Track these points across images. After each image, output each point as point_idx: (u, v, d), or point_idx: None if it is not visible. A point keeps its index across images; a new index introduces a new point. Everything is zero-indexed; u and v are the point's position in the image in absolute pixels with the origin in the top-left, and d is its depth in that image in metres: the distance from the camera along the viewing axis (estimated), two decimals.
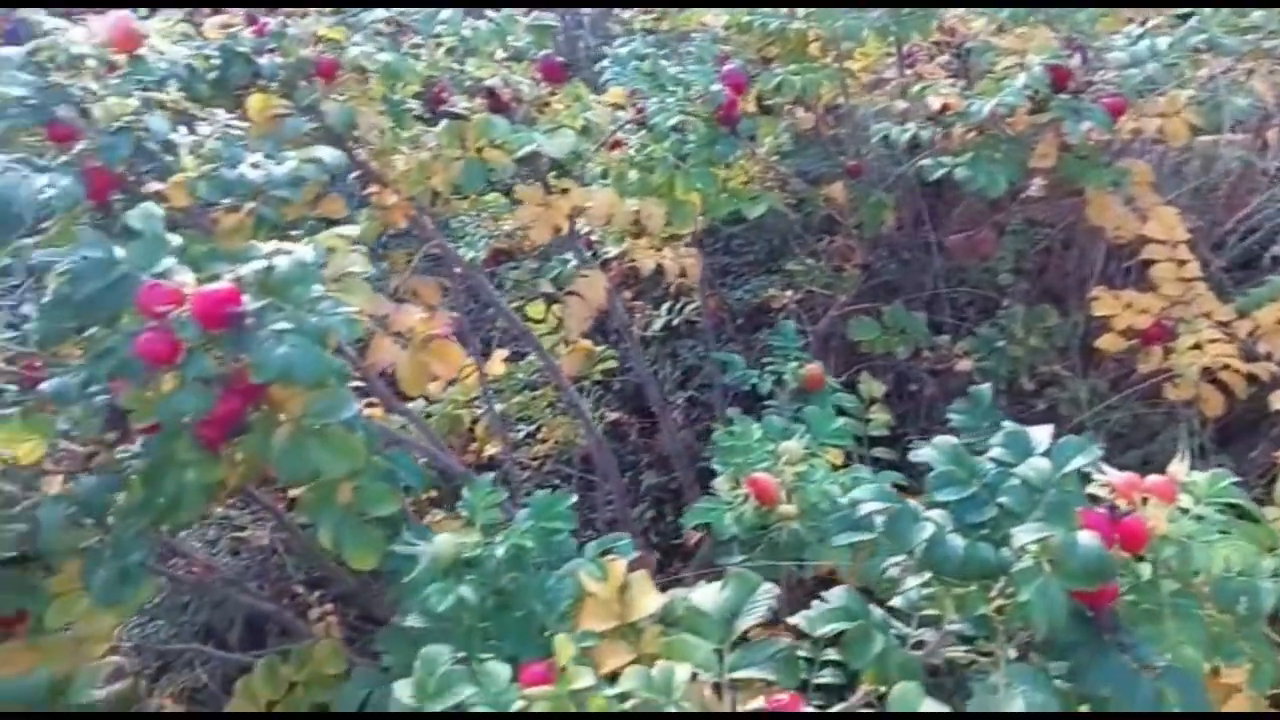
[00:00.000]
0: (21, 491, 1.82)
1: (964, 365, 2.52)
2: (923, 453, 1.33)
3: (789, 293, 3.18)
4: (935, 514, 1.22)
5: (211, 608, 3.18)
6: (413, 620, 1.67)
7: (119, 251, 1.49)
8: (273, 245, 1.58)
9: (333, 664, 1.99)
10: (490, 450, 3.02)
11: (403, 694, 1.19)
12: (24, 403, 1.83)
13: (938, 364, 2.62)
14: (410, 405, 2.50)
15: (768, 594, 1.29)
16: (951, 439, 1.27)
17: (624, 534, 1.63)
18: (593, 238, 2.91)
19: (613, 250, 2.83)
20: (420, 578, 1.59)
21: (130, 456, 1.76)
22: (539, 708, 1.22)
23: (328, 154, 1.82)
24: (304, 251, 1.53)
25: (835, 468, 1.94)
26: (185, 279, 1.47)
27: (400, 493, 1.78)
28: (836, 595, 1.24)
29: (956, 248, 2.74)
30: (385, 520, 1.75)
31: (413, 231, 2.48)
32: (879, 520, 1.30)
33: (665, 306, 3.21)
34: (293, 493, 2.44)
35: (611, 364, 2.95)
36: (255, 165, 1.75)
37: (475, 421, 3.02)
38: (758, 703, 1.15)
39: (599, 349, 2.86)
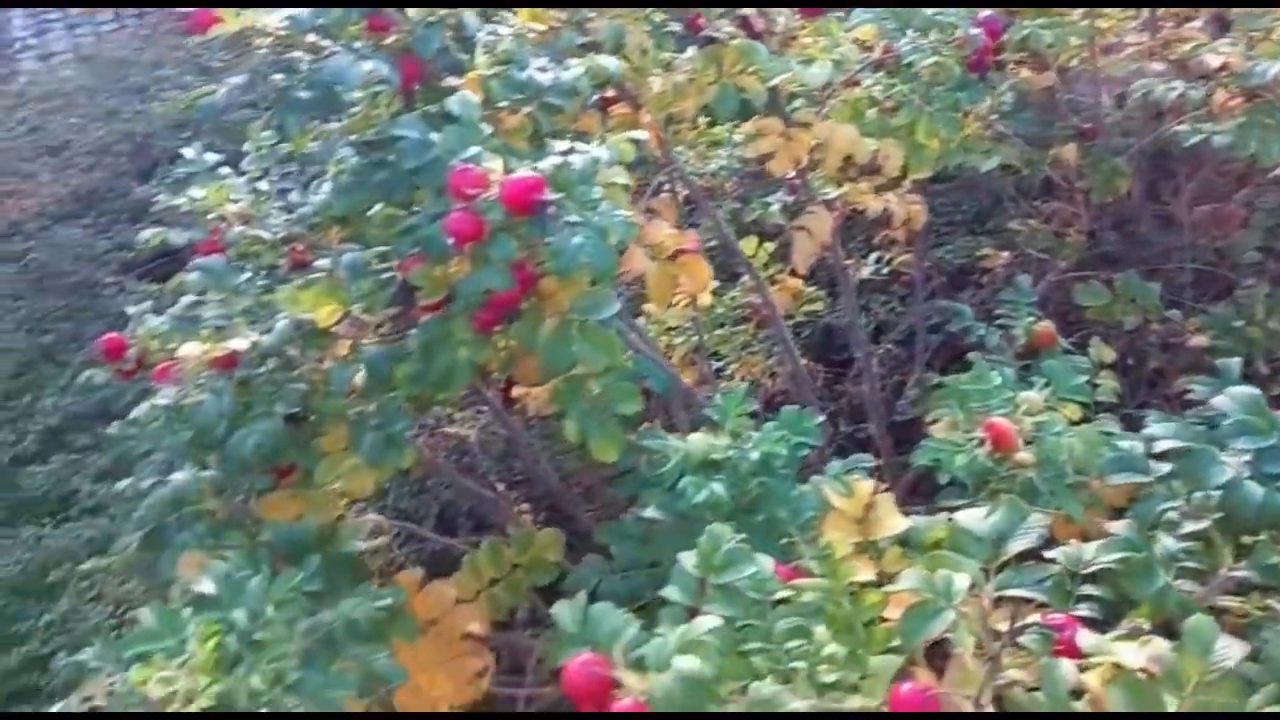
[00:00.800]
0: (302, 355, 1.99)
1: (1198, 341, 2.44)
2: (1156, 428, 1.32)
3: (1004, 254, 3.11)
4: (1232, 460, 1.21)
5: (411, 495, 3.40)
6: (651, 513, 1.76)
7: (434, 136, 1.60)
8: (566, 144, 1.67)
9: (553, 551, 2.10)
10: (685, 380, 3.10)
11: (687, 564, 1.26)
12: (309, 278, 2.00)
13: (1167, 337, 2.54)
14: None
15: (1039, 522, 1.31)
16: (1250, 389, 1.26)
17: (866, 455, 1.67)
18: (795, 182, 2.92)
19: (831, 192, 2.83)
20: (671, 472, 1.67)
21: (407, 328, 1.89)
22: (808, 598, 1.28)
23: (611, 63, 1.89)
24: (599, 151, 1.61)
25: (1072, 424, 1.92)
26: (493, 165, 1.57)
27: (641, 394, 1.86)
28: (1119, 527, 1.24)
29: (1201, 221, 2.63)
30: (626, 419, 1.84)
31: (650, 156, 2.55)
32: (1156, 464, 1.30)
33: (874, 256, 3.19)
34: (515, 391, 2.59)
35: (816, 306, 2.97)
36: (542, 69, 1.84)
37: (669, 349, 3.10)
38: (1034, 618, 1.18)
39: (807, 289, 2.89)
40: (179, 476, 1.86)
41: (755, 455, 1.61)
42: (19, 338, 4.72)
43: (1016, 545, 1.28)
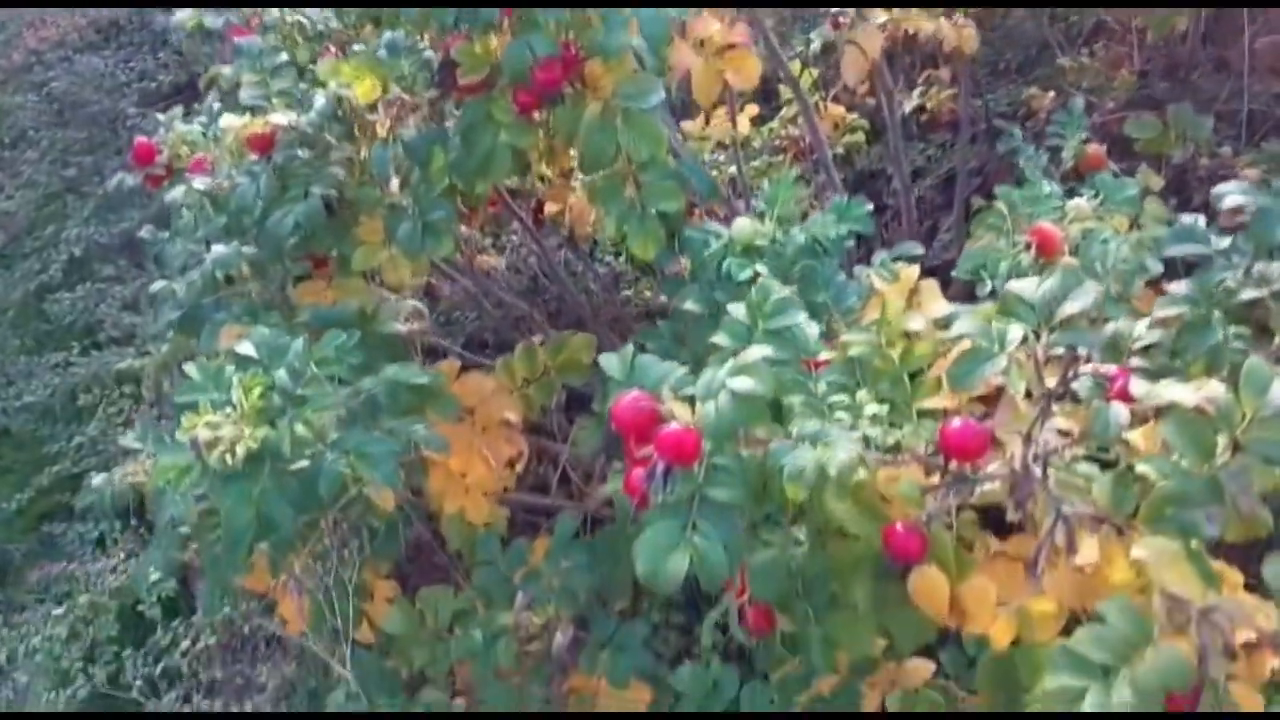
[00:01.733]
0: (339, 142, 1.95)
1: (1250, 174, 2.38)
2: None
3: (1051, 94, 3.03)
4: None
5: (439, 325, 3.41)
6: (690, 305, 1.75)
7: None
8: None
9: (586, 353, 2.11)
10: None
11: (737, 312, 1.26)
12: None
13: (1217, 171, 2.48)
14: None
15: (1094, 288, 1.29)
16: None
17: (914, 244, 1.65)
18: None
19: (881, 15, 2.73)
20: (714, 256, 1.66)
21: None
22: (855, 351, 1.27)
23: None
24: None
25: None
26: None
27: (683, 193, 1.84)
28: (1180, 286, 1.23)
29: (1265, 52, 2.54)
30: (665, 218, 1.82)
31: None
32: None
33: (917, 91, 3.11)
34: (549, 208, 2.56)
35: (858, 137, 2.91)
36: None
37: None
38: (1086, 368, 1.17)
39: (850, 116, 2.83)
40: (218, 248, 1.85)
41: (802, 238, 1.58)
42: (42, 169, 4.68)
43: (1070, 308, 1.27)
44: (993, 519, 1.39)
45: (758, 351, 1.09)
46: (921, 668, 1.81)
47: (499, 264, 3.17)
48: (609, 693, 1.79)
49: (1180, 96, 2.92)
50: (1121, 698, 0.99)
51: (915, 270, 1.52)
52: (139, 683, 2.94)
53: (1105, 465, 1.23)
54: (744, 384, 1.06)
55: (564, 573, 1.77)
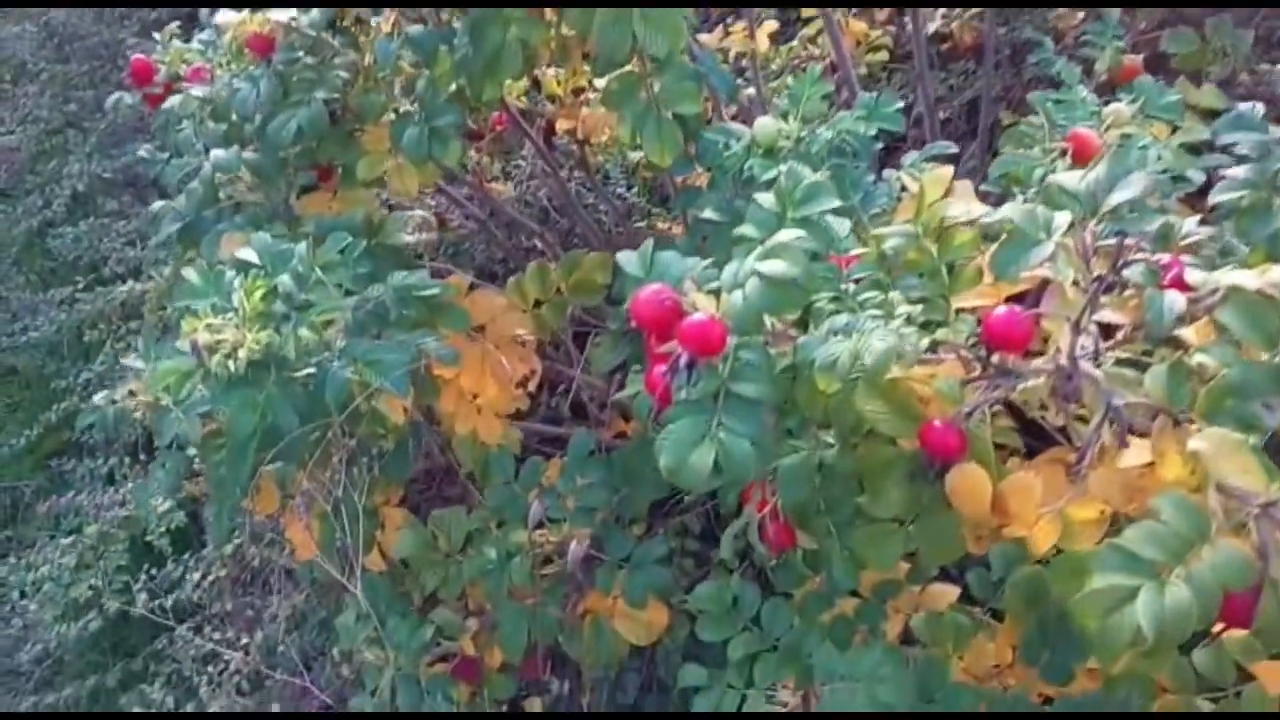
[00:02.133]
0: (340, 47, 1.87)
1: None
2: None
3: (1080, 15, 2.91)
4: None
5: (447, 258, 3.34)
6: (709, 214, 1.67)
7: None
8: None
9: (602, 272, 2.04)
10: None
11: (765, 200, 1.18)
12: None
13: (1256, 88, 2.38)
14: None
15: (1143, 177, 1.21)
16: None
17: (948, 142, 1.56)
18: None
19: None
20: (734, 159, 1.58)
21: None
22: (890, 244, 1.20)
23: None
24: None
25: None
26: None
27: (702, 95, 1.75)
28: (1238, 171, 1.15)
29: None
30: (684, 123, 1.74)
31: None
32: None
33: (940, 12, 3.00)
34: (560, 126, 2.48)
35: (880, 55, 2.80)
36: None
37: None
38: (1137, 256, 1.09)
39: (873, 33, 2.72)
40: (218, 153, 1.78)
41: (829, 135, 1.50)
42: (43, 103, 4.60)
43: (1117, 198, 1.19)
44: (1026, 434, 1.33)
45: (789, 234, 1.02)
46: (946, 591, 1.76)
47: (508, 192, 3.09)
48: (625, 613, 1.74)
49: (1218, 11, 2.80)
50: (1177, 597, 0.93)
51: (950, 170, 1.44)
52: (149, 614, 2.93)
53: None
54: (775, 267, 0.99)
55: (580, 490, 1.72)
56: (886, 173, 1.59)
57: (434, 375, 1.83)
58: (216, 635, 3.05)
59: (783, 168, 1.51)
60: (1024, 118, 1.90)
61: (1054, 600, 1.58)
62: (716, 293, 1.10)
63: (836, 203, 1.14)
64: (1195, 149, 1.78)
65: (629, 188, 3.27)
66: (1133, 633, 0.93)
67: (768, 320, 1.06)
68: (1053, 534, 1.09)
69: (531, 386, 1.86)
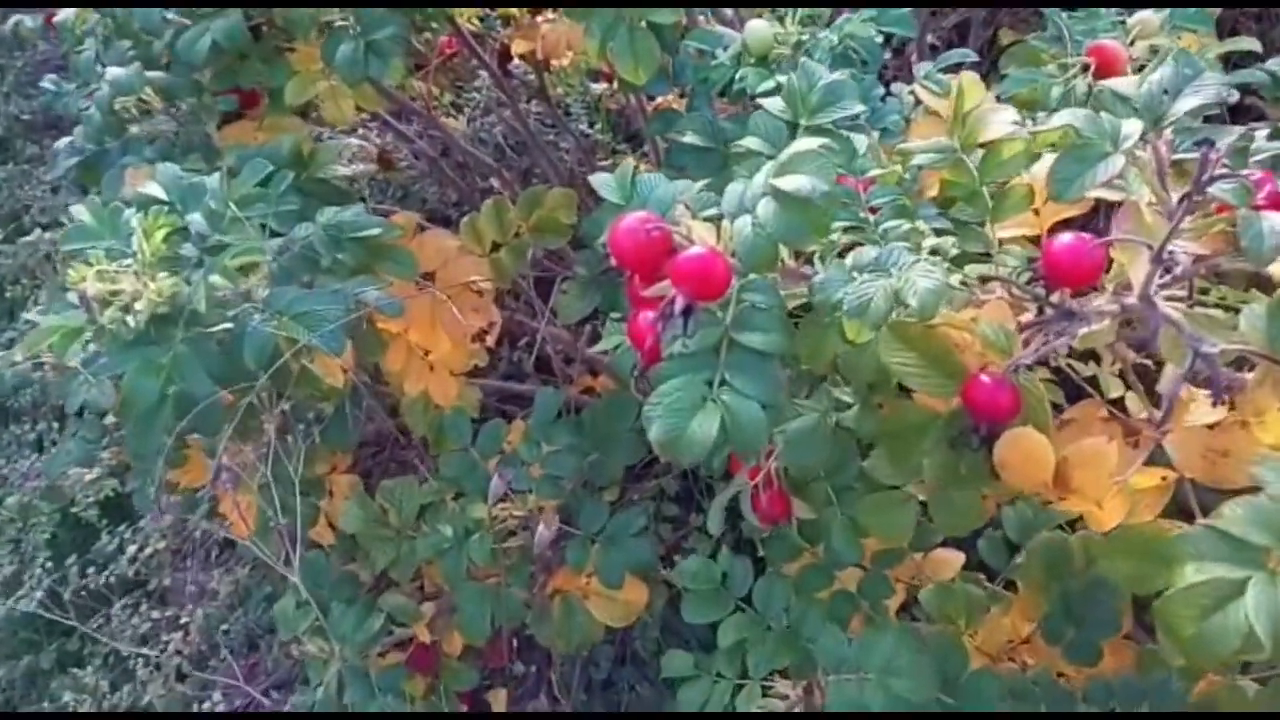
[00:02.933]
0: None
1: None
2: None
3: None
4: None
5: (394, 200, 3.09)
6: (691, 138, 1.46)
7: None
8: None
9: (565, 211, 1.81)
10: None
11: (773, 106, 0.97)
12: None
13: None
14: None
15: (1216, 78, 1.02)
16: None
17: (966, 49, 1.36)
18: None
19: None
20: (723, 69, 1.36)
21: None
22: (923, 159, 1.00)
23: None
24: None
25: None
26: None
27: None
28: None
29: None
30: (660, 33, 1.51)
31: None
32: None
33: None
34: (516, 49, 2.23)
35: None
36: None
37: None
38: (1224, 174, 0.90)
39: None
40: (115, 71, 1.52)
41: (833, 39, 1.29)
42: None
43: (1186, 104, 1.00)
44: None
45: (810, 141, 0.81)
46: (952, 558, 1.60)
47: (460, 127, 2.84)
48: (599, 592, 1.55)
49: None
50: None
51: (972, 79, 1.23)
52: (78, 594, 2.71)
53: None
54: (796, 182, 0.78)
55: (546, 457, 1.51)
56: (896, 86, 1.38)
57: (378, 329, 1.61)
58: (155, 614, 2.84)
59: (783, 80, 1.31)
60: (1026, 38, 1.70)
61: (1079, 570, 1.42)
62: (715, 220, 0.89)
63: (861, 107, 0.94)
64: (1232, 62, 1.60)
65: (592, 124, 3.04)
66: (1241, 637, 0.75)
67: (782, 252, 0.85)
68: (1122, 510, 0.90)
69: (490, 340, 1.64)
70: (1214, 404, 0.81)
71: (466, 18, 2.19)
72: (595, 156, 2.92)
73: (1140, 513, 0.97)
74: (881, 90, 1.32)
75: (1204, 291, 1.04)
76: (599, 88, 2.81)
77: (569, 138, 2.76)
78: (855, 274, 0.88)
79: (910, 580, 1.63)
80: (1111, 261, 0.90)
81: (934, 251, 1.03)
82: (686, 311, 0.83)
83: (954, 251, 1.01)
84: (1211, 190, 0.89)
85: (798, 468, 1.03)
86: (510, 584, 1.56)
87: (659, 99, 1.86)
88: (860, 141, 1.05)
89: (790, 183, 0.78)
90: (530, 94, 2.65)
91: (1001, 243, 1.01)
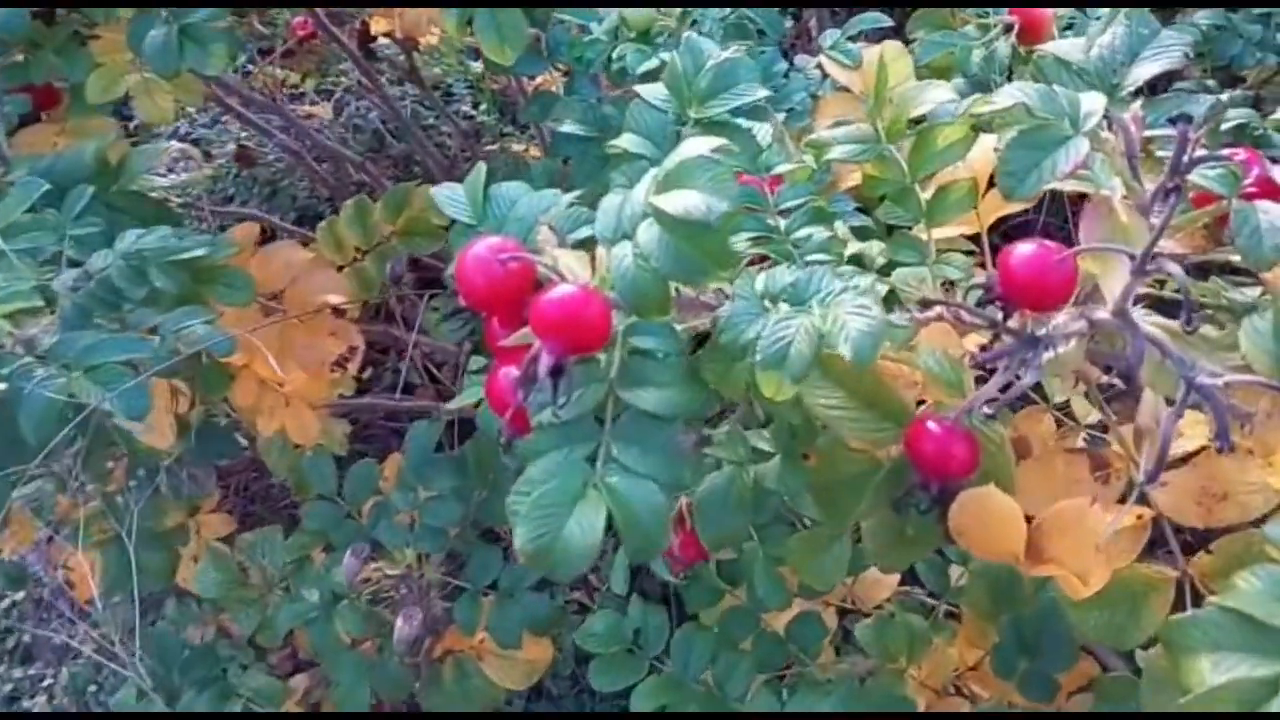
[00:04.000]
0: None
1: None
2: None
3: None
4: None
5: (262, 200, 2.80)
6: (570, 127, 1.25)
7: None
8: None
9: (437, 210, 1.59)
10: None
11: (653, 94, 0.77)
12: None
13: None
14: None
15: (1181, 38, 0.86)
16: None
17: (878, 13, 1.18)
18: None
19: None
20: (600, 45, 1.16)
21: None
22: (837, 153, 0.81)
23: None
24: None
25: None
26: None
27: None
28: None
29: None
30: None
31: None
32: None
33: None
34: (378, 28, 1.99)
35: None
36: None
37: None
38: (1204, 155, 0.74)
39: None
40: None
41: (724, 10, 1.10)
42: None
43: (1147, 70, 0.84)
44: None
45: (700, 143, 0.62)
46: (885, 581, 1.45)
47: (325, 114, 2.58)
48: (496, 652, 1.36)
49: None
50: None
51: (893, 48, 1.06)
52: None
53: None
54: (684, 201, 0.59)
55: (423, 504, 1.30)
56: (800, 59, 1.20)
57: (220, 361, 1.37)
58: (18, 672, 2.55)
59: (668, 57, 1.11)
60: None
61: (1029, 596, 1.28)
62: (591, 245, 0.70)
63: (763, 91, 0.75)
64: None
65: (476, 104, 2.80)
66: None
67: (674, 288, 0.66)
68: (1105, 573, 0.74)
69: (353, 367, 1.42)
70: (1219, 449, 0.65)
71: None
72: (481, 141, 2.70)
73: (1115, 556, 0.82)
74: (784, 65, 1.14)
75: (1161, 284, 0.89)
76: (480, 66, 2.59)
77: (449, 120, 2.52)
78: (769, 304, 0.69)
79: (839, 603, 1.49)
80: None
81: (858, 260, 0.85)
82: (557, 370, 0.64)
83: (880, 260, 0.83)
84: (1191, 177, 0.73)
85: (721, 538, 0.85)
86: (391, 651, 1.35)
87: (539, 78, 1.66)
88: (764, 132, 0.86)
89: (677, 202, 0.59)
90: (400, 76, 2.41)
91: (938, 248, 0.84)
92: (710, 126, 0.74)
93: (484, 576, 1.33)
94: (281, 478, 1.50)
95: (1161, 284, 0.90)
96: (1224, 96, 0.86)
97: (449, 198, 0.80)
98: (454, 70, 2.76)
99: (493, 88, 2.61)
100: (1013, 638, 1.27)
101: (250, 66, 2.28)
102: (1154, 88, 1.52)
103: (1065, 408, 1.09)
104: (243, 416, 1.49)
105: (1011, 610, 1.26)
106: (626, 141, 0.76)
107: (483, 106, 2.77)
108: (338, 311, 1.40)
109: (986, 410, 0.70)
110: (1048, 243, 0.69)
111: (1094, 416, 1.03)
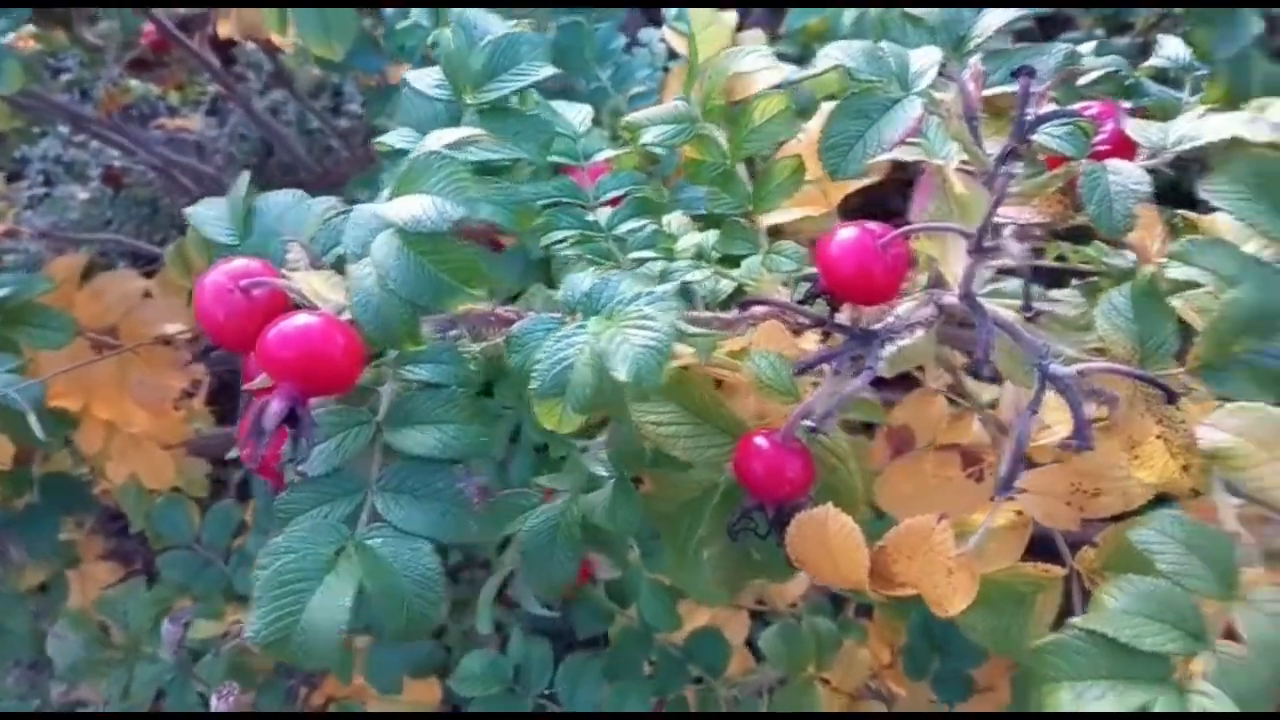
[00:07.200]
0: None
1: None
2: None
3: None
4: None
5: (142, 221, 2.65)
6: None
7: None
8: None
9: None
10: None
11: (422, 82, 0.67)
12: None
13: None
14: None
15: None
16: None
17: None
18: None
19: None
20: (420, 30, 1.05)
21: None
22: (653, 135, 0.72)
23: None
24: None
25: None
26: None
27: None
28: None
29: None
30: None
31: None
32: None
33: None
34: (226, 30, 1.85)
35: None
36: None
37: None
38: (1052, 112, 0.65)
39: None
40: None
41: None
42: None
43: (995, 19, 0.75)
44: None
45: (448, 134, 0.51)
46: (791, 587, 1.37)
47: (198, 126, 2.43)
48: (380, 697, 1.25)
49: None
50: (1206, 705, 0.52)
51: (733, 15, 0.96)
52: None
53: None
54: (410, 209, 0.48)
55: None
56: (644, 33, 1.10)
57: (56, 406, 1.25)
58: None
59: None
60: None
61: None
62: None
63: (548, 69, 0.65)
64: None
65: (364, 103, 2.67)
66: None
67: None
68: (970, 589, 0.65)
69: (198, 402, 1.30)
70: (1077, 449, 0.56)
71: None
72: (367, 142, 2.57)
73: (995, 558, 0.74)
74: (623, 40, 1.04)
75: (1038, 252, 0.81)
76: None
77: (323, 122, 2.39)
78: (568, 317, 0.60)
79: (751, 606, 1.40)
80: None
81: (699, 255, 0.76)
82: (292, 416, 0.53)
83: (716, 255, 0.74)
84: (1037, 137, 0.64)
85: (552, 585, 0.75)
86: (266, 700, 1.24)
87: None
88: (581, 115, 0.76)
89: (403, 210, 0.48)
90: (265, 79, 2.27)
91: (776, 234, 0.75)
92: (490, 113, 0.63)
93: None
94: (139, 527, 1.38)
95: (1039, 252, 0.82)
96: (1085, 47, 0.77)
97: (208, 215, 0.69)
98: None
99: (372, 83, 2.49)
100: (921, 635, 1.20)
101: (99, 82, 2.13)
102: (1049, 39, 1.45)
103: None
104: (91, 463, 1.37)
105: (920, 607, 1.18)
106: (393, 138, 0.65)
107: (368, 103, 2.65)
108: (174, 344, 1.28)
109: (823, 420, 0.61)
110: (871, 225, 0.59)
111: (990, 394, 0.95)
